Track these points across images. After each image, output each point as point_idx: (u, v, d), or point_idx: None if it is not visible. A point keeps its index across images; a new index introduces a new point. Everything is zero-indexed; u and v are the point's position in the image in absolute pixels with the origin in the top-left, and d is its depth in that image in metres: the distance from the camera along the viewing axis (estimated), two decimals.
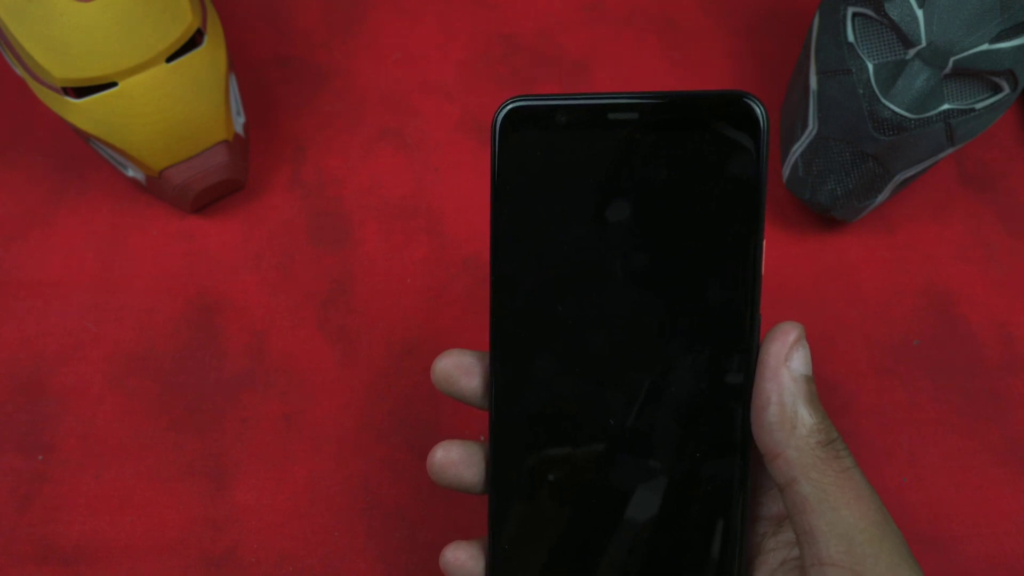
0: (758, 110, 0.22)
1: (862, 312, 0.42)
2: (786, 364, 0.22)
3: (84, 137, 0.40)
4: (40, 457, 0.37)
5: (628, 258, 0.23)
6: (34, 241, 0.42)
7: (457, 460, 0.25)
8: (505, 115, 0.23)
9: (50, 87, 0.37)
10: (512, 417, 0.24)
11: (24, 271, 0.41)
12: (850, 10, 0.39)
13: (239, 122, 0.42)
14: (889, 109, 0.37)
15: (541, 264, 0.23)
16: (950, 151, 0.39)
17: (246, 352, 0.40)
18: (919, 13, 0.36)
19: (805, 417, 0.21)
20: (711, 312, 0.23)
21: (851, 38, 0.39)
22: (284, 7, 0.51)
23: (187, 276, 0.41)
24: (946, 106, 0.37)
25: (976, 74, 0.37)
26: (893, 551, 0.20)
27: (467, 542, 0.25)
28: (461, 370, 0.25)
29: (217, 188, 0.41)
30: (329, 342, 0.40)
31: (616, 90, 0.49)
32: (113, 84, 0.37)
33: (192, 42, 0.39)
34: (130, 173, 0.41)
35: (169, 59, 0.38)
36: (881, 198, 0.41)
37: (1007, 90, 0.37)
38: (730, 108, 0.22)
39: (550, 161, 0.23)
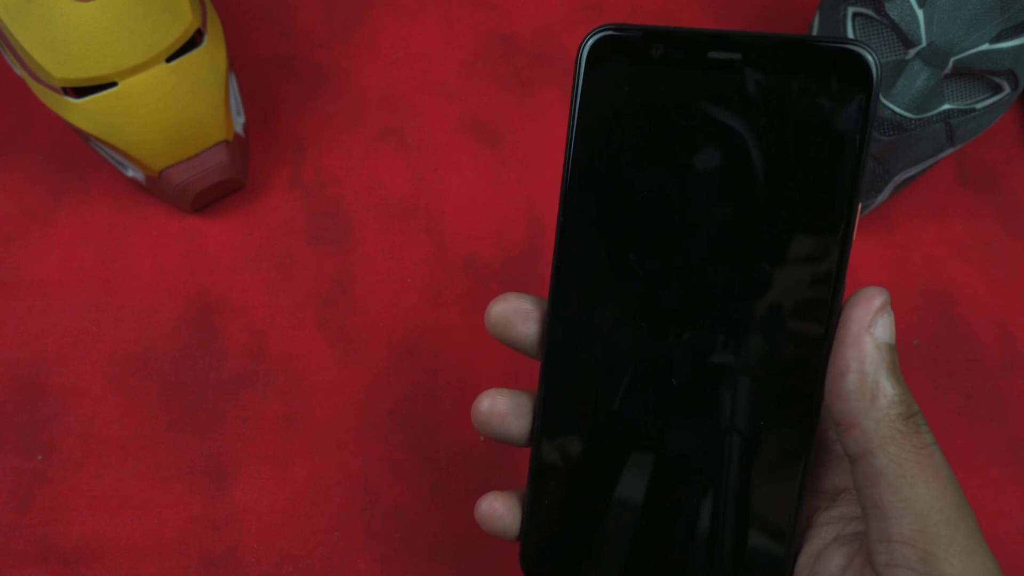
0: (872, 61, 0.20)
1: None
2: (869, 331, 0.21)
3: (84, 137, 0.40)
4: (40, 457, 0.37)
5: (710, 209, 0.21)
6: (34, 241, 0.42)
7: (505, 410, 0.24)
8: (593, 44, 0.21)
9: (50, 87, 0.37)
10: (565, 368, 0.23)
11: (24, 271, 0.41)
12: (850, 10, 0.39)
13: (239, 122, 0.42)
14: (889, 109, 0.37)
15: (616, 209, 0.22)
16: (950, 151, 0.39)
17: (246, 352, 0.39)
18: (919, 13, 0.36)
19: (887, 387, 0.20)
20: (793, 274, 0.21)
21: (851, 38, 0.39)
22: (284, 7, 0.51)
23: (187, 276, 0.41)
24: (946, 106, 0.37)
25: (976, 74, 0.37)
26: (969, 535, 0.19)
27: (504, 493, 0.24)
28: (520, 315, 0.24)
29: (217, 188, 0.41)
30: (329, 342, 0.40)
31: None
32: (113, 84, 0.37)
33: (192, 42, 0.39)
34: (130, 173, 0.41)
35: (169, 59, 0.38)
36: (881, 198, 0.41)
37: (1007, 90, 0.37)
38: (842, 58, 0.20)
39: (638, 98, 0.21)
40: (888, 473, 0.20)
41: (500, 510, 0.24)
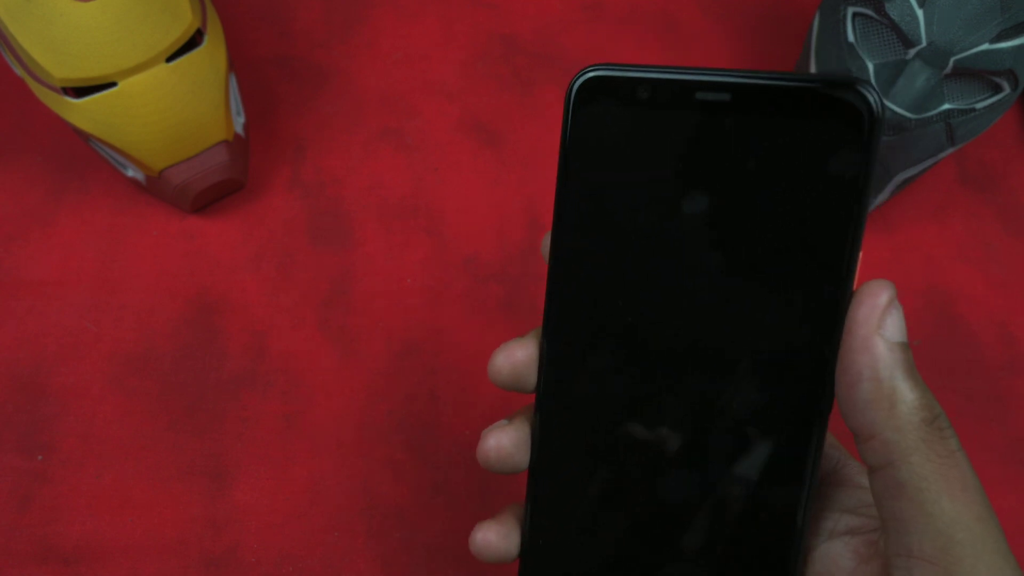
0: (871, 99, 0.19)
1: None
2: (879, 331, 0.19)
3: (84, 137, 0.40)
4: (40, 457, 0.37)
5: (703, 253, 0.21)
6: (34, 241, 0.42)
7: (511, 450, 0.23)
8: (581, 85, 0.21)
9: (50, 87, 0.37)
10: (561, 400, 0.23)
11: (24, 271, 0.41)
12: (850, 10, 0.39)
13: (239, 122, 0.42)
14: (889, 109, 0.37)
15: (604, 251, 0.22)
16: (950, 151, 0.39)
17: (246, 352, 0.39)
18: (919, 13, 0.36)
19: (905, 392, 0.19)
20: (790, 314, 0.21)
21: (851, 38, 0.39)
22: (284, 7, 0.51)
23: (187, 276, 0.41)
24: (946, 106, 0.37)
25: (976, 74, 0.37)
26: (995, 551, 0.18)
27: (496, 522, 0.24)
28: (529, 366, 0.23)
29: (217, 188, 0.41)
30: (329, 342, 0.40)
31: None
32: (113, 84, 0.37)
33: (192, 42, 0.39)
34: (130, 173, 0.41)
35: (169, 59, 0.38)
36: (881, 198, 0.41)
37: (1007, 90, 0.37)
38: (838, 96, 0.19)
39: (627, 139, 0.21)
40: (910, 487, 0.18)
41: (494, 541, 0.23)
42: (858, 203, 0.20)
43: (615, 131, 0.21)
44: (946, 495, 0.18)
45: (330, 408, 0.38)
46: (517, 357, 0.23)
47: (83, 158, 0.45)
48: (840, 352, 0.20)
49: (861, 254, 0.20)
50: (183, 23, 0.38)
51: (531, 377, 0.23)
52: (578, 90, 0.21)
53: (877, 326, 0.19)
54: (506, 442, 0.23)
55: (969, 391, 0.40)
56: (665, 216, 0.21)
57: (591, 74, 0.21)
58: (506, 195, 0.45)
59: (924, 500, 0.18)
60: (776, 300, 0.21)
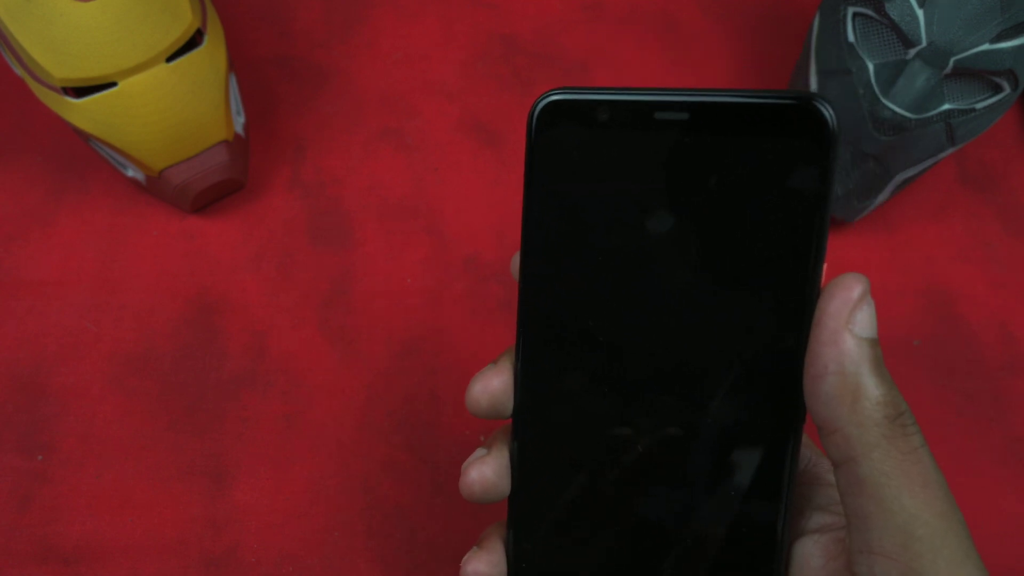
0: (828, 114, 0.19)
1: None
2: (848, 326, 0.19)
3: (84, 137, 0.40)
4: (40, 457, 0.37)
5: (670, 270, 0.21)
6: (34, 241, 0.42)
7: (494, 479, 0.23)
8: (543, 108, 0.21)
9: (50, 87, 0.37)
10: (536, 424, 0.23)
11: (24, 271, 0.41)
12: (850, 10, 0.39)
13: (239, 122, 0.42)
14: (889, 109, 0.37)
15: (573, 272, 0.22)
16: (950, 151, 0.39)
17: (246, 352, 0.39)
18: (919, 13, 0.36)
19: (870, 388, 0.19)
20: (757, 327, 0.21)
21: (851, 38, 0.39)
22: (284, 7, 0.51)
23: (187, 276, 0.41)
24: (946, 106, 0.37)
25: (976, 74, 0.37)
26: (957, 547, 0.18)
27: (484, 551, 0.24)
28: (507, 394, 0.23)
29: (217, 188, 0.41)
30: (329, 342, 0.40)
31: None
32: (113, 84, 0.37)
33: (192, 42, 0.39)
34: (130, 173, 0.41)
35: (169, 59, 0.38)
36: (881, 198, 0.41)
37: (1007, 90, 0.37)
38: (795, 112, 0.20)
39: (590, 161, 0.21)
40: (871, 483, 0.18)
41: (485, 570, 0.23)
42: (819, 216, 0.20)
43: (578, 153, 0.21)
44: (906, 491, 0.18)
45: (330, 408, 0.38)
46: (494, 386, 0.23)
47: (83, 158, 0.45)
48: (809, 344, 0.20)
49: (825, 267, 0.21)
50: (183, 23, 0.38)
51: (509, 404, 0.23)
52: (539, 114, 0.21)
53: (847, 320, 0.19)
54: (488, 472, 0.23)
55: (969, 391, 0.40)
56: (631, 234, 0.21)
57: (551, 98, 0.21)
58: (506, 195, 0.45)
59: (884, 496, 0.18)
60: (743, 313, 0.21)
